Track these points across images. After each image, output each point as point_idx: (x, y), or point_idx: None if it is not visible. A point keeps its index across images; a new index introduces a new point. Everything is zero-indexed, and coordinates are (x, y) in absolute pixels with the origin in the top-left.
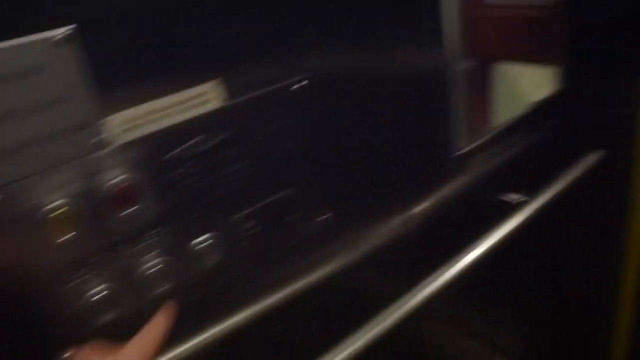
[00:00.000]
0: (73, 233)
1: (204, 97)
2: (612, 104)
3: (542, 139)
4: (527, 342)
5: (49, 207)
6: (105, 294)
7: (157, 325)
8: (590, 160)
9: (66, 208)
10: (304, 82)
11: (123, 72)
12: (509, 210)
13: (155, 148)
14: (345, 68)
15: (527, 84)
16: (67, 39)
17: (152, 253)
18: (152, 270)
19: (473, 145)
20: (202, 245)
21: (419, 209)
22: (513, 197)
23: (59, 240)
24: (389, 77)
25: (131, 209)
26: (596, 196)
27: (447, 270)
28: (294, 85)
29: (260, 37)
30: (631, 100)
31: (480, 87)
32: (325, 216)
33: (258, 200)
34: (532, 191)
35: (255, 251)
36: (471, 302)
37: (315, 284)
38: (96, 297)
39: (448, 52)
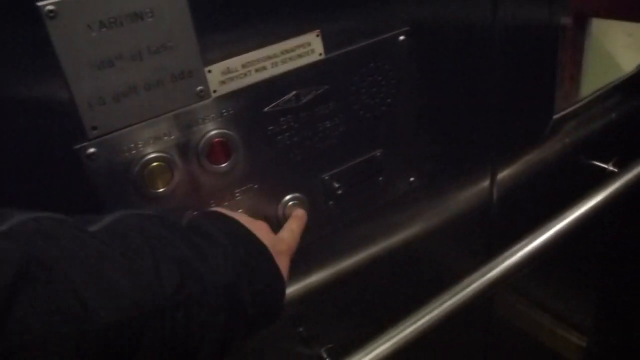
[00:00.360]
0: (164, 187)
1: (303, 50)
2: None
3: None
4: (597, 318)
5: (145, 159)
6: None
7: (300, 216)
8: None
9: (161, 162)
10: (404, 37)
11: (225, 20)
12: (596, 180)
13: (250, 102)
14: (447, 21)
15: (621, 46)
16: None
17: (239, 211)
18: None
19: (569, 109)
20: (287, 205)
21: (503, 175)
22: (603, 166)
23: (151, 194)
24: (490, 30)
25: (223, 164)
26: None
27: (527, 242)
28: (398, 37)
29: None
30: None
31: (575, 46)
32: (409, 180)
33: (345, 161)
34: (622, 161)
35: (339, 212)
36: (543, 275)
37: (394, 248)
38: None
39: (556, 4)
